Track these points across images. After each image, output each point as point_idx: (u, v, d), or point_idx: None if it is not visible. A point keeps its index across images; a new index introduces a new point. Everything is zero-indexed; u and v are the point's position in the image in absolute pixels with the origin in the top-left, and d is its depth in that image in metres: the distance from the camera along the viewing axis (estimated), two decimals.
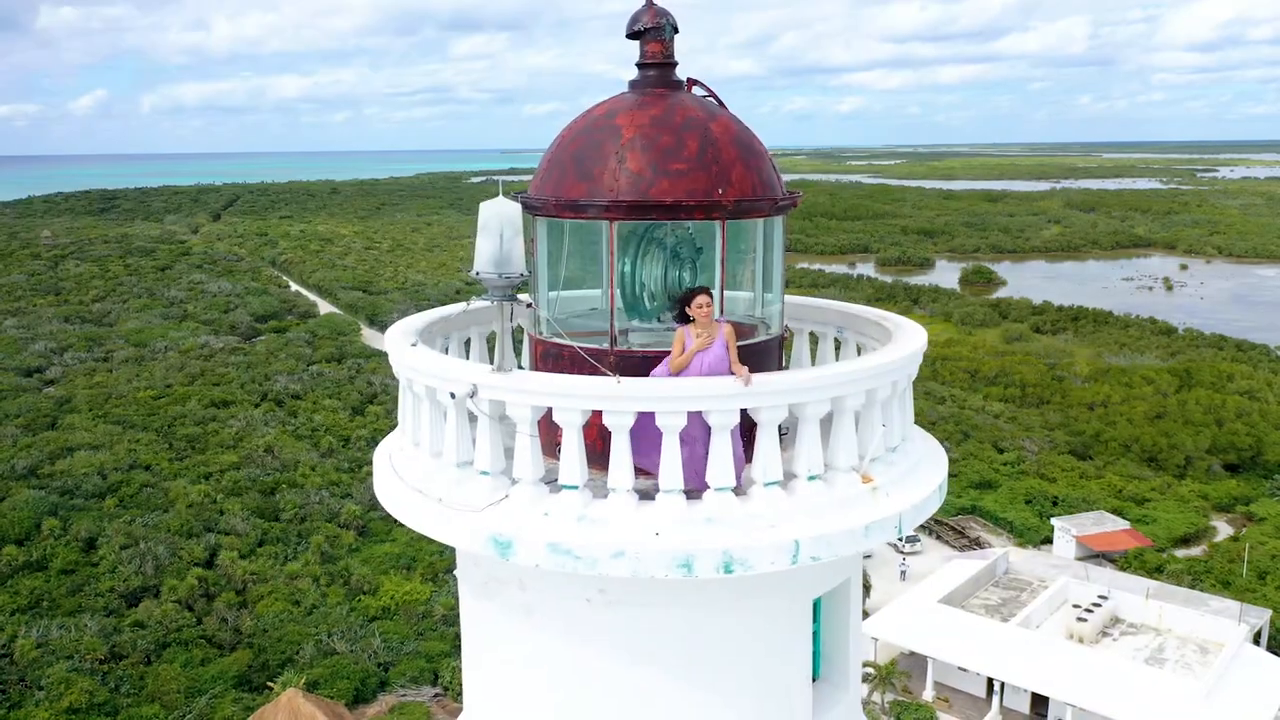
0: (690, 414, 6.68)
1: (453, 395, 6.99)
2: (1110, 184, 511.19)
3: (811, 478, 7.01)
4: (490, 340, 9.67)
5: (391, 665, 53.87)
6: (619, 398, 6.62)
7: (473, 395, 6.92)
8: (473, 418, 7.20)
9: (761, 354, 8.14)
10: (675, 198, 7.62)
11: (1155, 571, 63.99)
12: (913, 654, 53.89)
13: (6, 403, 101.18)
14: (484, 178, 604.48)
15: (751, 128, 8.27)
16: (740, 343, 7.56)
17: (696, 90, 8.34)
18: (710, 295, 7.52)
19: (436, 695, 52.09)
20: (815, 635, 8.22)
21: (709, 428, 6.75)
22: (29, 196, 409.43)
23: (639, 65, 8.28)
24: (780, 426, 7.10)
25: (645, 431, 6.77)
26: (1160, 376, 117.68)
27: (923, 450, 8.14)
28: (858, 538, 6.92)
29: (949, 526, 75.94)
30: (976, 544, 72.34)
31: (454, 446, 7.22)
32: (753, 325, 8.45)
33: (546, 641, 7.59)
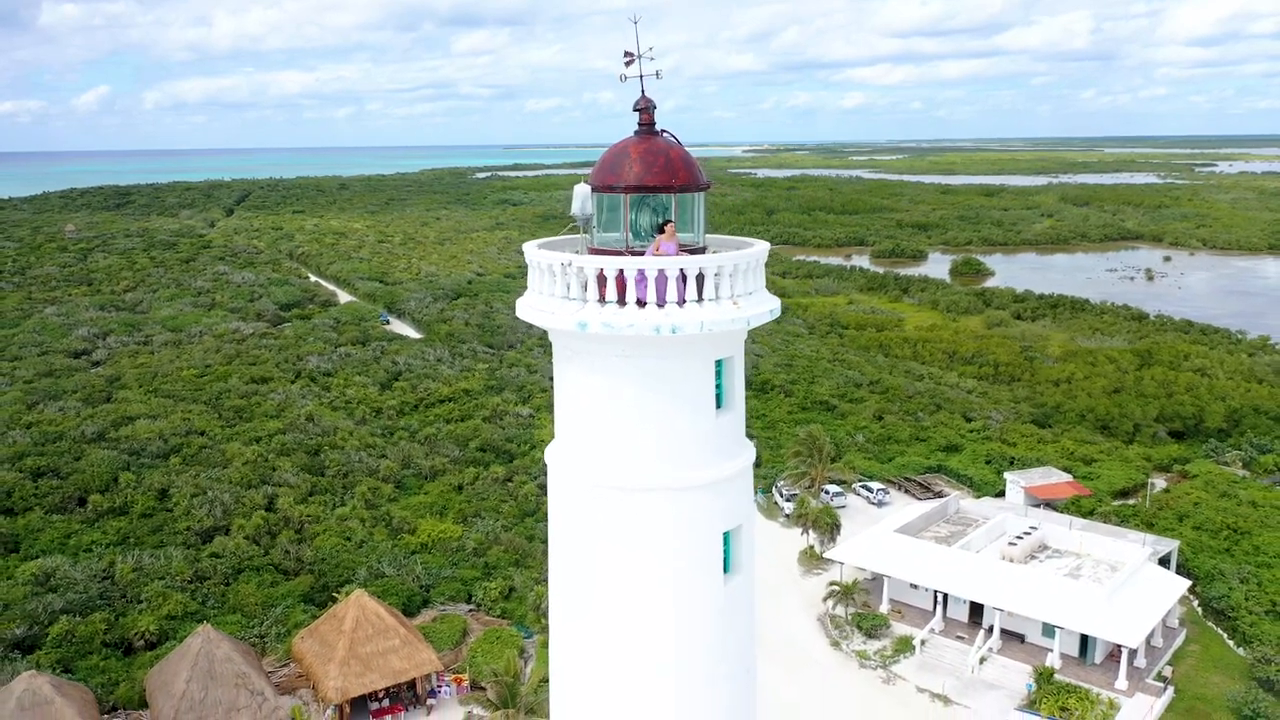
0: (659, 270, 16.30)
1: (562, 265, 16.65)
2: (1107, 179, 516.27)
3: (710, 300, 16.67)
4: None
5: (432, 587, 63.34)
6: (629, 263, 16.28)
7: (569, 265, 16.59)
8: (566, 277, 16.86)
9: (693, 254, 17.80)
10: (655, 183, 17.22)
11: (1088, 515, 73.49)
12: (873, 576, 63.60)
13: (63, 380, 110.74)
14: (489, 174, 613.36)
15: (692, 153, 17.90)
16: (683, 251, 17.22)
17: (667, 135, 17.97)
18: (674, 223, 17.23)
19: (471, 610, 61.58)
20: (719, 386, 17.86)
21: (666, 278, 16.38)
22: (44, 192, 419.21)
23: (639, 124, 17.87)
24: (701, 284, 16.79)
25: (640, 278, 16.43)
26: (1123, 356, 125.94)
27: (768, 299, 17.72)
28: (728, 322, 16.54)
29: (916, 482, 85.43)
30: (939, 496, 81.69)
31: (560, 288, 16.87)
32: (691, 244, 18.12)
33: (598, 380, 17.17)
